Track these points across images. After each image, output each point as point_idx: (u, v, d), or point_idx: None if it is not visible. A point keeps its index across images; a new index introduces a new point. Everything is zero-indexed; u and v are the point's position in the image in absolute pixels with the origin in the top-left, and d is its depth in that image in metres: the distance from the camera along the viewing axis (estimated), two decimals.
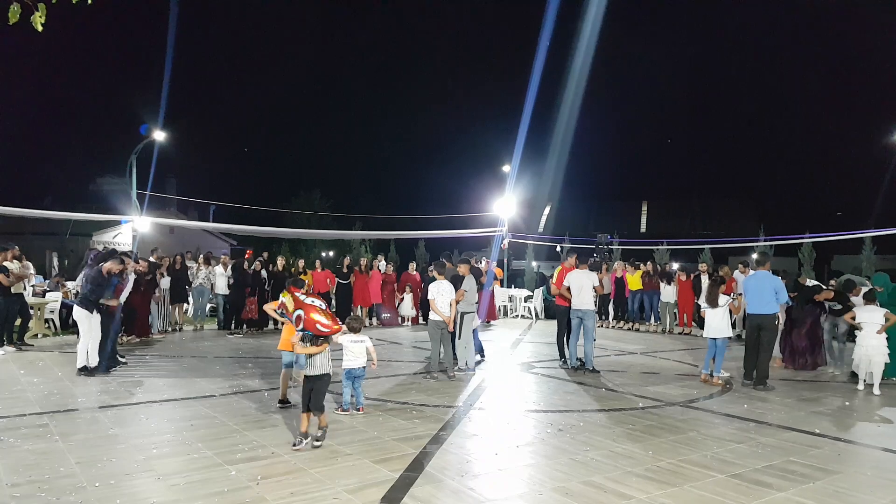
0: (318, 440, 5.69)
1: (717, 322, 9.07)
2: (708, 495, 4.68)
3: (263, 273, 14.68)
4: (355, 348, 6.82)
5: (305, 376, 5.78)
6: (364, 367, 6.89)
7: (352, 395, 6.94)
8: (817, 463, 5.51)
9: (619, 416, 7.09)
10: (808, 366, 10.38)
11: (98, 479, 4.81)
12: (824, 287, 10.73)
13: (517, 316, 18.94)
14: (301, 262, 15.85)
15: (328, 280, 15.59)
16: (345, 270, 16.02)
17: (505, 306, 19.25)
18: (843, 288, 10.38)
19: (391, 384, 8.75)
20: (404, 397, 7.87)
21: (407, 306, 16.50)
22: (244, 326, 14.55)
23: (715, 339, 9.07)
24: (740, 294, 9.79)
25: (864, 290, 9.55)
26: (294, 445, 5.61)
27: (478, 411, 7.24)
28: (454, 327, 9.39)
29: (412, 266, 16.80)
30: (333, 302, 15.64)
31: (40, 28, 4.26)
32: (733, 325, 11.17)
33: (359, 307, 16.02)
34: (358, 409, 6.91)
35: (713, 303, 9.10)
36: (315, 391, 5.66)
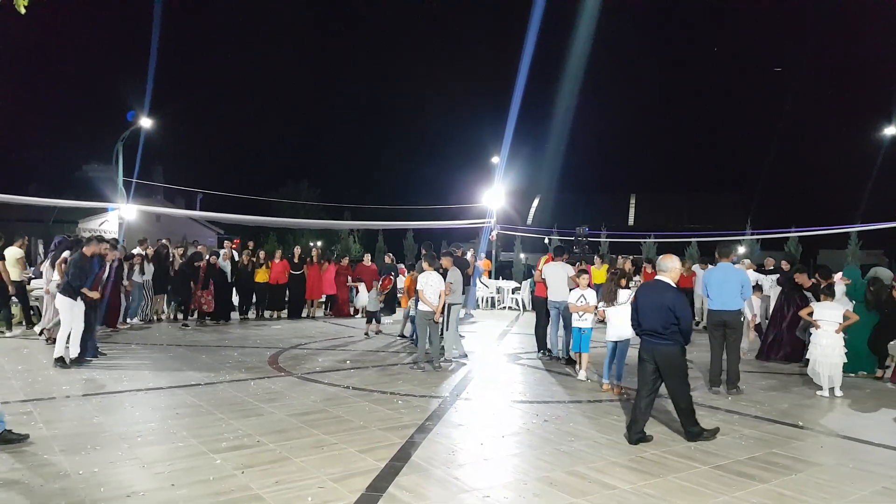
0: (377, 332, 12.37)
1: (620, 321, 7.89)
2: (691, 486, 4.73)
3: (225, 265, 14.54)
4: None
5: (367, 311, 12.72)
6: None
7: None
8: (800, 455, 5.57)
9: (604, 407, 7.14)
10: (779, 357, 10.35)
11: (82, 466, 4.78)
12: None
13: (504, 307, 18.98)
14: (262, 254, 15.88)
15: (285, 271, 15.58)
16: (296, 261, 15.95)
17: (492, 298, 19.30)
18: (821, 274, 10.00)
19: (378, 374, 8.76)
20: (391, 387, 7.88)
21: (363, 297, 15.62)
22: (195, 315, 14.03)
23: (616, 341, 8.06)
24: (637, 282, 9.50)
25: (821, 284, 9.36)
26: (367, 335, 12.17)
27: (464, 401, 7.26)
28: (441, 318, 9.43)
29: (367, 258, 16.48)
30: (287, 293, 15.74)
31: (23, 10, 4.20)
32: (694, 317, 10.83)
33: (311, 300, 16.17)
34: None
35: (611, 299, 8.11)
36: (375, 315, 12.45)
